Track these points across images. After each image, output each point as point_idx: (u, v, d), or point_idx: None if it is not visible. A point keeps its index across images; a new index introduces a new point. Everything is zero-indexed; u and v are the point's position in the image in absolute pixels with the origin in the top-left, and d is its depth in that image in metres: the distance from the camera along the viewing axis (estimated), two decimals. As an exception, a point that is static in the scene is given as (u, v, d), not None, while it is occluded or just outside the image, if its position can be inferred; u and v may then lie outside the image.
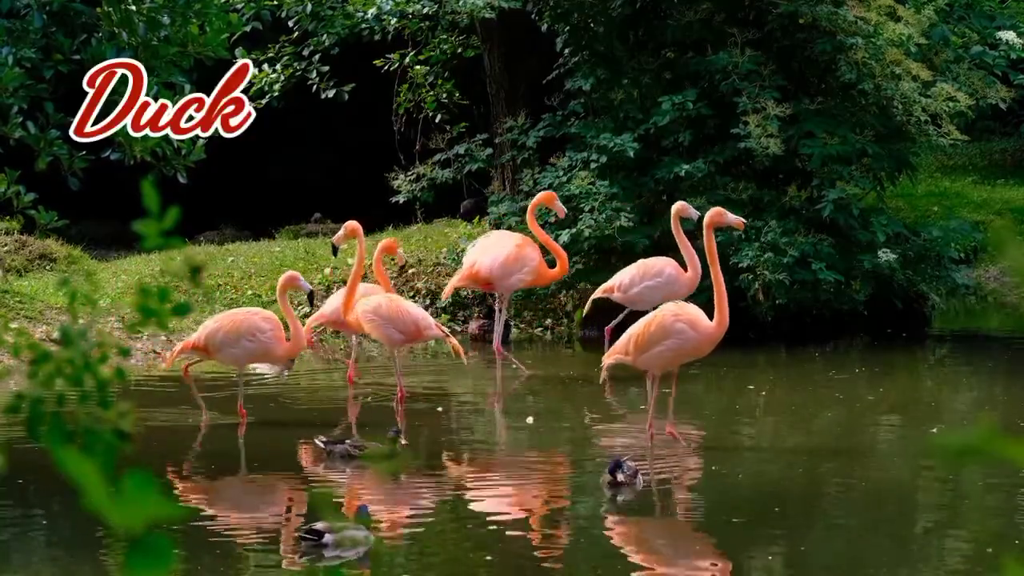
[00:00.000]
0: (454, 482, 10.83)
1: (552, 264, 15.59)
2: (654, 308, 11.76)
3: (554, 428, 12.91)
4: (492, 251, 15.49)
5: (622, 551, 9.13)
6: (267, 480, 11.06)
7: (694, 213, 14.14)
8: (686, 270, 14.67)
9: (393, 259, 15.68)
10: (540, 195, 15.62)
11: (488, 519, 9.79)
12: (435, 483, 10.77)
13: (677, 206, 14.13)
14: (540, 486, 10.79)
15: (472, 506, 10.07)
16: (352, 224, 14.23)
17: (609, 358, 11.69)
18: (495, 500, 10.35)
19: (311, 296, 13.44)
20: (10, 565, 8.74)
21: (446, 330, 13.84)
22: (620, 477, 10.04)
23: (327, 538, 8.74)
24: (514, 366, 15.40)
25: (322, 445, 11.24)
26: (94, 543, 9.08)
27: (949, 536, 9.51)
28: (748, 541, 9.29)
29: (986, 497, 10.36)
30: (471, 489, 10.60)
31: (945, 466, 10.88)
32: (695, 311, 11.38)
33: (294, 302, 17.85)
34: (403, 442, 11.25)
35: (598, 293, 15.39)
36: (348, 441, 11.22)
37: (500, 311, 15.75)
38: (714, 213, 11.73)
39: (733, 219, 11.79)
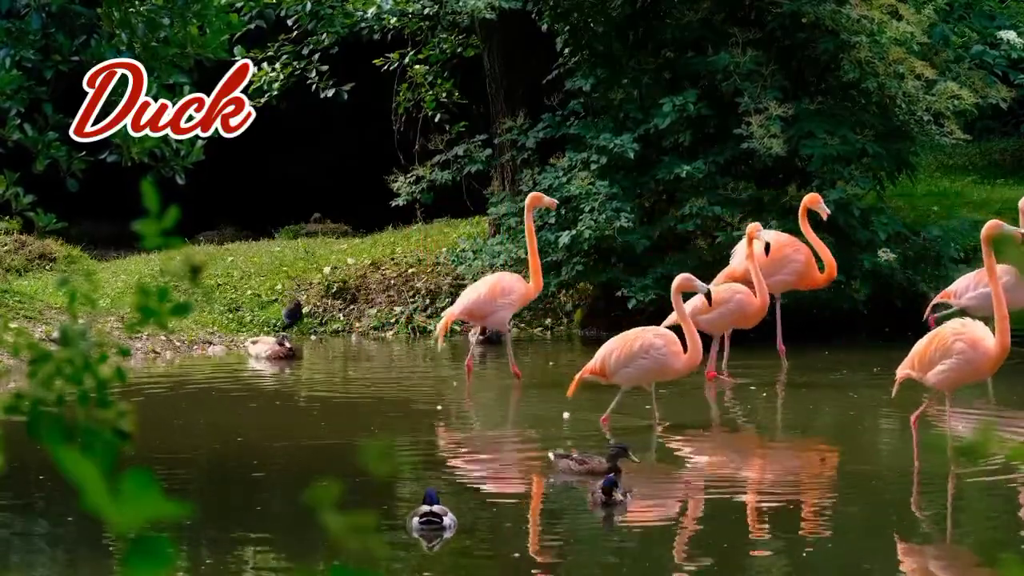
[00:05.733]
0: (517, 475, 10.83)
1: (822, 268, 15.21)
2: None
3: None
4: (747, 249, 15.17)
5: (619, 549, 9.12)
6: (276, 480, 11.04)
7: None
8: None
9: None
10: (807, 197, 15.29)
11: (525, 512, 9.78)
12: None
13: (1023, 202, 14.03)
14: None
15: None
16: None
17: (901, 372, 11.31)
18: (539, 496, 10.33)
19: (708, 295, 13.04)
20: (10, 565, 8.73)
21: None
22: (617, 496, 9.68)
23: (446, 520, 9.10)
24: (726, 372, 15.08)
25: (552, 458, 10.87)
26: (94, 543, 9.07)
27: (950, 536, 9.50)
28: (751, 541, 9.29)
29: (987, 497, 10.35)
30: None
31: (946, 466, 10.87)
32: (978, 331, 10.92)
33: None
34: (635, 459, 10.68)
35: (937, 299, 15.03)
36: (574, 455, 10.81)
37: (776, 308, 15.31)
38: (992, 226, 11.35)
39: (1013, 229, 11.40)
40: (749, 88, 16.68)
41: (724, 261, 16.52)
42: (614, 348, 12.52)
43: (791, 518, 9.86)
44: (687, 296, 13.25)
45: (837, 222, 16.53)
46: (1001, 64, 18.98)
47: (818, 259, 15.35)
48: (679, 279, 12.69)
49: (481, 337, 16.71)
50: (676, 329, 12.73)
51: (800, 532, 9.45)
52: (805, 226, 15.24)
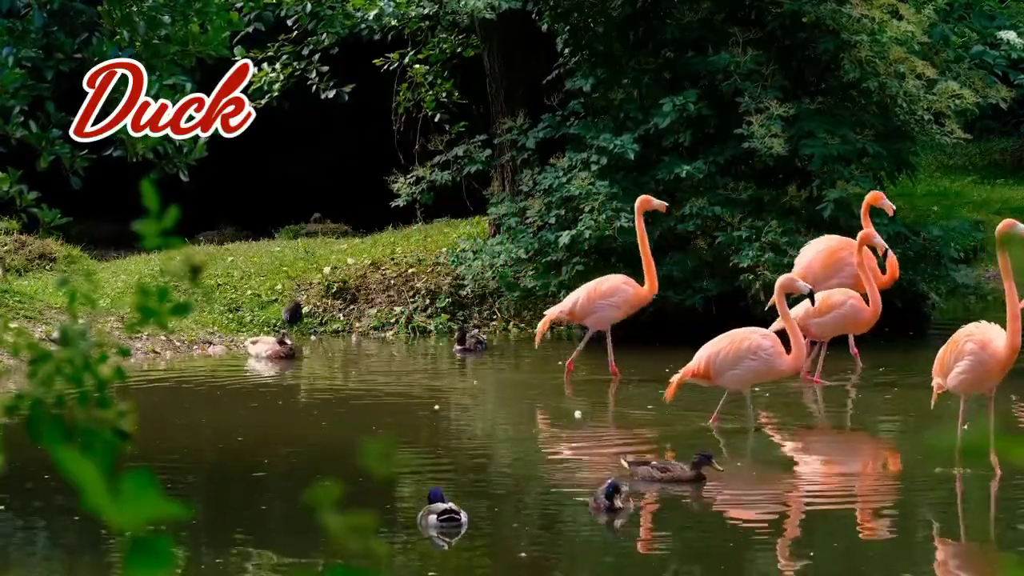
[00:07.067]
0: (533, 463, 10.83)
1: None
2: None
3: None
4: (808, 252, 15.16)
5: (630, 554, 9.12)
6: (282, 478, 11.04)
7: None
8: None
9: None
10: (870, 195, 15.10)
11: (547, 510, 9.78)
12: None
13: None
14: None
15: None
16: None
17: (935, 383, 11.09)
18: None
19: (811, 296, 12.88)
20: (10, 565, 8.73)
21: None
22: (619, 502, 9.54)
23: (463, 517, 9.19)
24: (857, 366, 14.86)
25: (627, 465, 10.61)
26: (94, 543, 9.07)
27: (950, 535, 9.50)
28: (750, 541, 9.29)
29: (986, 497, 10.35)
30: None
31: (946, 465, 10.86)
32: (990, 332, 10.81)
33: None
34: (718, 468, 10.51)
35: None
36: (653, 463, 10.58)
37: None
38: (1006, 224, 11.18)
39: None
40: (749, 88, 16.68)
41: (724, 261, 16.52)
42: (720, 348, 12.27)
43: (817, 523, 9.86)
44: (793, 301, 13.07)
45: (838, 222, 16.53)
46: (1001, 64, 18.98)
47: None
48: (782, 280, 12.57)
49: (460, 347, 16.64)
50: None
51: (859, 536, 9.45)
52: (867, 226, 15.07)
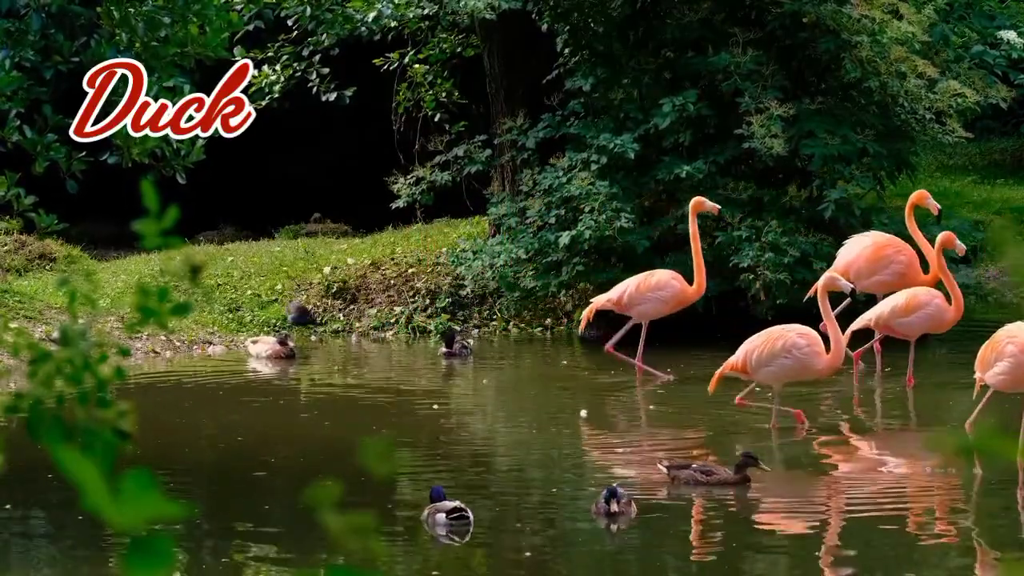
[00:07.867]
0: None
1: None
2: None
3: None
4: (852, 249, 15.17)
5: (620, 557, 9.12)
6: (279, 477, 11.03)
7: None
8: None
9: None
10: (915, 195, 15.11)
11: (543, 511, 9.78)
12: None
13: None
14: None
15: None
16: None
17: (977, 377, 11.12)
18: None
19: (853, 293, 12.83)
20: (10, 565, 8.73)
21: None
22: (616, 507, 9.49)
23: (469, 514, 9.23)
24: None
25: (664, 469, 10.47)
26: (94, 543, 9.07)
27: (949, 535, 9.50)
28: (749, 540, 9.30)
29: (986, 496, 10.35)
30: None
31: (946, 464, 10.87)
32: None
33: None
34: (765, 468, 10.44)
35: None
36: (694, 466, 10.45)
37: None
38: None
39: None
40: (749, 88, 16.68)
41: (724, 261, 16.51)
42: (757, 345, 12.37)
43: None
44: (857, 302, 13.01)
45: (838, 222, 16.54)
46: (1001, 64, 18.98)
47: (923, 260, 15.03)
48: (825, 279, 12.55)
49: (447, 350, 16.58)
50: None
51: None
52: (912, 225, 15.02)
